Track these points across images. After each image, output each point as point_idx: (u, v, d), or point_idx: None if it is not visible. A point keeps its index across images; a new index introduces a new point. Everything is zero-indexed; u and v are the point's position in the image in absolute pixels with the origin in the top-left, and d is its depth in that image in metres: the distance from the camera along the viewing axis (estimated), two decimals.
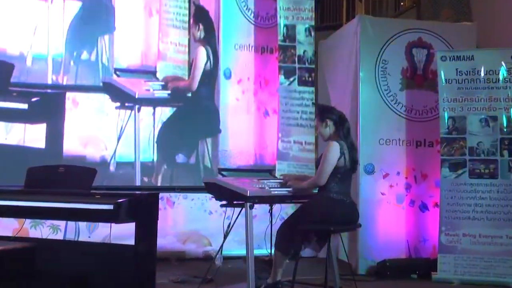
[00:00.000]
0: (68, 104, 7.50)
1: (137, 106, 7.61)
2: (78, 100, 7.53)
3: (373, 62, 7.16)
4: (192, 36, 7.87)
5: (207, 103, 7.92)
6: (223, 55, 8.02)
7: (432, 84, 7.10)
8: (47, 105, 7.46)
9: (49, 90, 7.50)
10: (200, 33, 7.83)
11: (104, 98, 7.58)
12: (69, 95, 7.50)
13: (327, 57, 8.22)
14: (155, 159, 7.74)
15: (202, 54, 7.80)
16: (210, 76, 7.88)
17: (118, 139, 7.58)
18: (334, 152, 5.22)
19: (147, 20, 7.90)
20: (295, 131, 7.78)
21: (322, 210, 5.20)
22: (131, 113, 7.62)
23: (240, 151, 8.03)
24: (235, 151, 8.01)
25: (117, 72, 7.66)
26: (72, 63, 7.52)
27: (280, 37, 7.84)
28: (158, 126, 7.75)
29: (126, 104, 7.63)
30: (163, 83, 7.77)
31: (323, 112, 5.51)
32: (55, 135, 7.43)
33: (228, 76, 8.06)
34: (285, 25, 7.87)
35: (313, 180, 5.36)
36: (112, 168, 7.57)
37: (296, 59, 7.84)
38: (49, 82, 7.47)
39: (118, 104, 7.61)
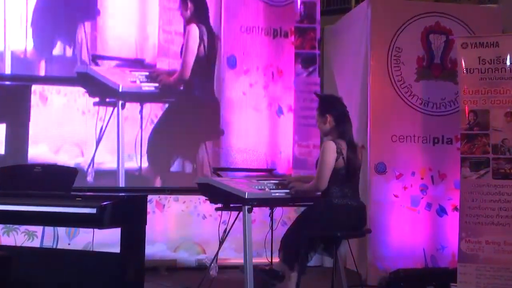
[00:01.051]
0: (34, 99, 7.06)
1: (120, 102, 7.21)
2: (46, 94, 7.11)
3: (385, 49, 7.15)
4: (183, 19, 7.52)
5: (205, 97, 7.58)
6: (226, 40, 7.66)
7: (451, 74, 7.08)
8: (7, 101, 7.01)
9: (8, 82, 7.05)
10: (189, 13, 7.48)
11: (80, 92, 7.17)
12: (35, 88, 7.08)
13: (334, 44, 8.19)
14: (142, 167, 7.37)
15: (193, 34, 7.47)
16: (207, 63, 7.54)
17: (97, 143, 7.19)
18: (330, 152, 5.24)
19: (142, 2, 7.55)
20: (315, 133, 7.52)
21: (324, 218, 5.23)
22: (113, 110, 7.22)
23: (247, 157, 7.65)
24: (241, 157, 7.63)
25: (96, 60, 7.25)
26: (40, 58, 7.09)
27: (297, 17, 7.63)
28: (147, 127, 7.38)
29: (107, 100, 7.22)
30: (148, 73, 7.35)
31: (325, 105, 5.52)
32: (17, 138, 6.98)
33: (232, 65, 7.68)
34: (303, 2, 7.61)
35: (312, 186, 5.37)
36: (90, 178, 7.15)
37: (317, 44, 7.62)
38: (8, 72, 7.00)
39: (96, 99, 7.21)
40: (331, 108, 5.43)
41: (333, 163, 5.22)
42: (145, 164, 7.37)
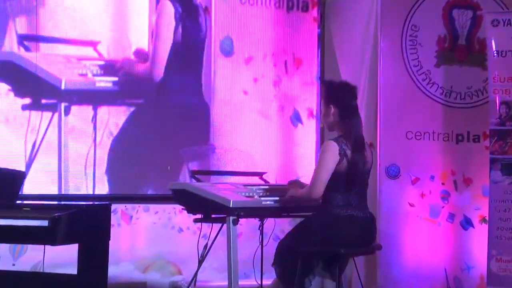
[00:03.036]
0: None
1: (63, 105, 6.59)
2: None
3: (399, 28, 7.14)
4: None
5: (189, 99, 7.05)
6: (219, 15, 7.14)
7: (479, 57, 7.08)
8: None
9: None
10: None
11: (1, 90, 6.52)
12: None
13: (337, 21, 8.11)
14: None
15: (165, 16, 6.98)
16: (190, 50, 7.06)
17: (28, 165, 6.55)
18: (330, 154, 5.25)
19: None
20: None
21: (324, 232, 5.24)
22: (51, 117, 6.61)
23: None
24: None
25: (25, 43, 6.56)
26: None
27: None
28: (103, 141, 6.81)
29: (43, 101, 6.60)
30: (104, 62, 6.70)
31: (329, 93, 5.53)
32: None
33: (228, 51, 7.14)
34: None
35: (306, 191, 5.38)
36: None
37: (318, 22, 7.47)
38: None
39: (27, 100, 6.56)
40: (336, 97, 5.43)
41: (332, 167, 5.23)
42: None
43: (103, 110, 6.78)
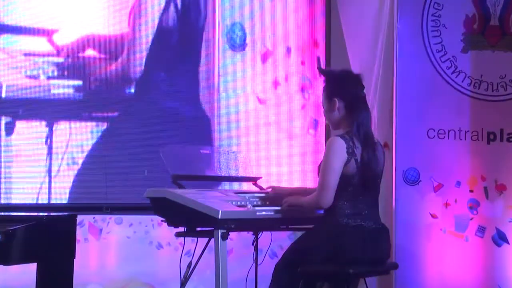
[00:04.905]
0: None
1: (4, 120, 6.26)
2: None
3: (419, 6, 7.15)
4: None
5: (183, 109, 6.74)
6: None
7: None
8: None
9: None
10: None
11: None
12: None
13: (346, 2, 8.08)
14: None
15: None
16: (186, 42, 6.76)
17: None
18: (336, 152, 5.24)
19: None
20: None
21: (329, 246, 5.21)
22: None
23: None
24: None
25: None
26: None
27: None
28: (62, 171, 6.50)
29: None
30: (64, 59, 6.32)
31: (332, 84, 5.51)
32: None
33: (238, 43, 6.75)
34: None
35: (312, 199, 5.35)
36: None
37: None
38: None
39: None
40: (340, 89, 5.43)
41: (340, 168, 5.22)
42: None
43: (62, 127, 6.42)
